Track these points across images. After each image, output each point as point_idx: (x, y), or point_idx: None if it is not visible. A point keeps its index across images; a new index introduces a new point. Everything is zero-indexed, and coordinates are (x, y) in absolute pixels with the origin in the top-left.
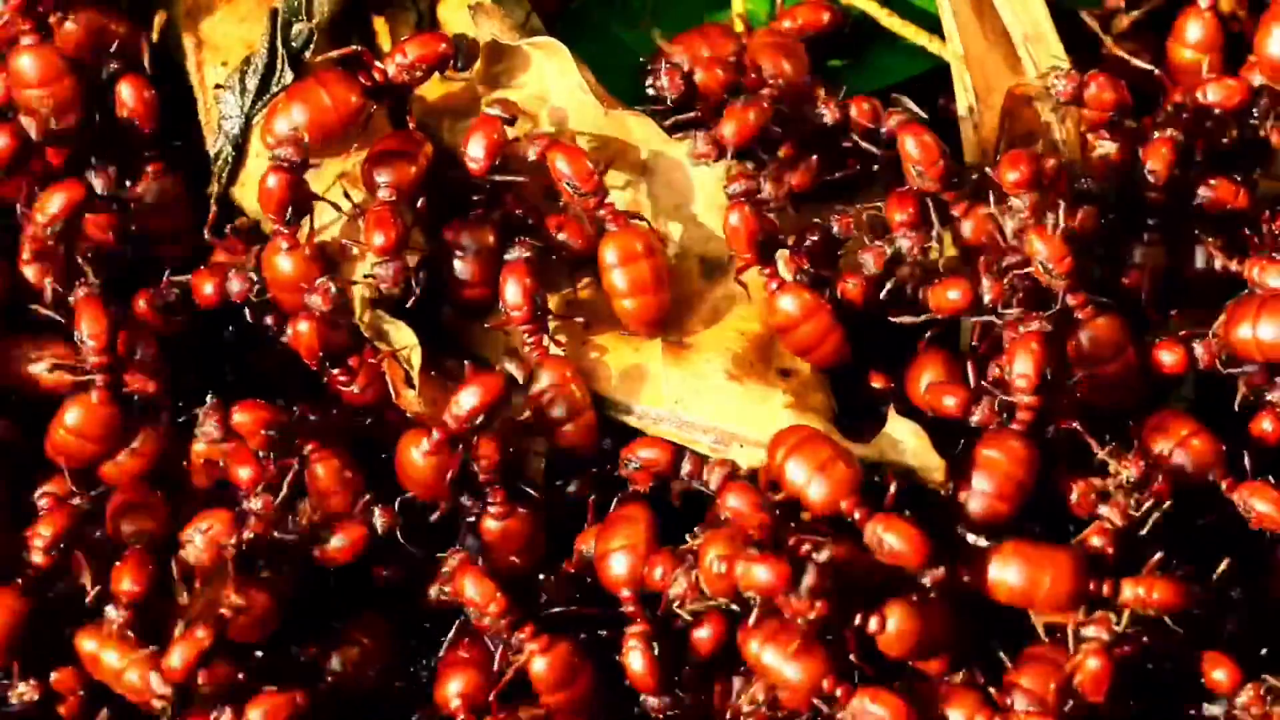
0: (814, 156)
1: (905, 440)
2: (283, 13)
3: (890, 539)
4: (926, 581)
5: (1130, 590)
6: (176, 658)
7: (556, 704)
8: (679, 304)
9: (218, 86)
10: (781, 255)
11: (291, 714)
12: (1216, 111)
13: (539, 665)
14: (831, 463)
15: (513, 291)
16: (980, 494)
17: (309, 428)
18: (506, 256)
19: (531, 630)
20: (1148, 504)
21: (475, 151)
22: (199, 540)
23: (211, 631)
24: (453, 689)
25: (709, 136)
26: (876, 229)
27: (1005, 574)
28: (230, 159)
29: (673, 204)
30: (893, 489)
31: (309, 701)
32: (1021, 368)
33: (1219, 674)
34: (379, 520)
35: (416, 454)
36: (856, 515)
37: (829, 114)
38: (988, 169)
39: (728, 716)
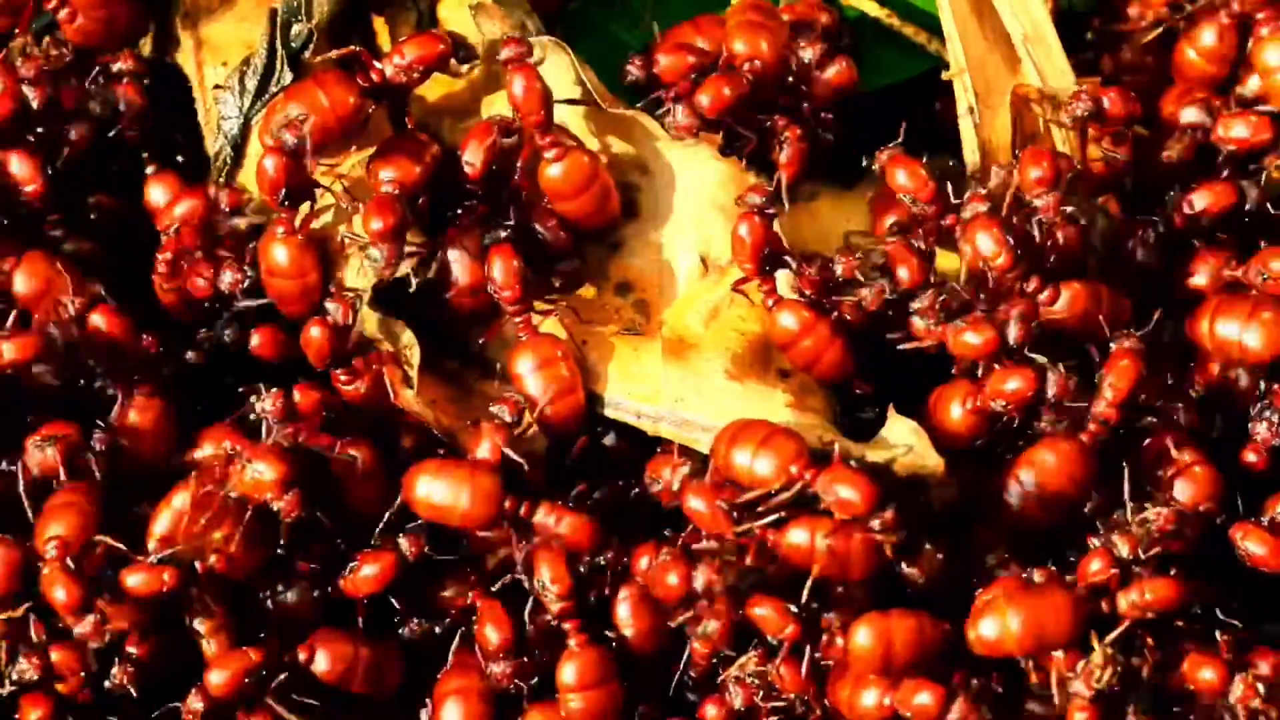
0: (800, 143)
1: (905, 439)
2: (282, 13)
3: (840, 488)
4: (875, 525)
5: (1126, 600)
6: (137, 580)
7: (577, 707)
8: (679, 304)
9: (217, 87)
10: (783, 275)
11: (249, 670)
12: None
13: (571, 664)
14: (772, 437)
15: (500, 271)
16: (1024, 494)
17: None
18: (488, 239)
19: (577, 625)
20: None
21: (471, 157)
22: (249, 474)
23: (177, 576)
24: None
25: (686, 107)
26: (879, 266)
27: (1004, 624)
28: (229, 159)
29: (674, 203)
30: (836, 450)
31: (263, 660)
32: (1115, 379)
33: (1207, 674)
34: (407, 548)
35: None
36: (808, 476)
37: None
38: (996, 168)
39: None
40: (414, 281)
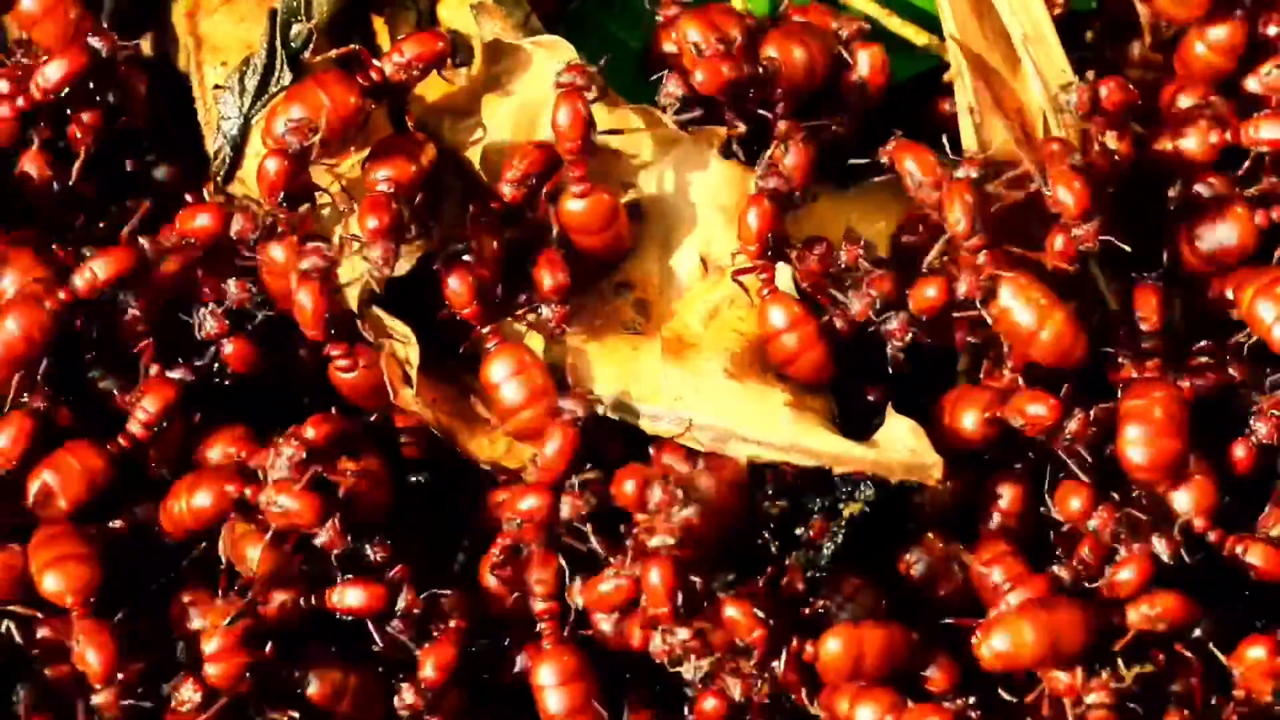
0: (806, 146)
1: (904, 438)
2: (282, 13)
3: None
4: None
5: (1135, 612)
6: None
7: (555, 706)
8: (679, 304)
9: (217, 87)
10: (783, 267)
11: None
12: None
13: (545, 663)
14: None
15: (455, 290)
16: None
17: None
18: (441, 256)
19: (554, 626)
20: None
21: (517, 166)
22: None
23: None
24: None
25: (679, 78)
26: (881, 263)
27: (1016, 638)
28: (229, 159)
29: (674, 203)
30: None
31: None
32: (1142, 312)
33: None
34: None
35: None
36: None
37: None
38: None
39: None
40: (379, 288)
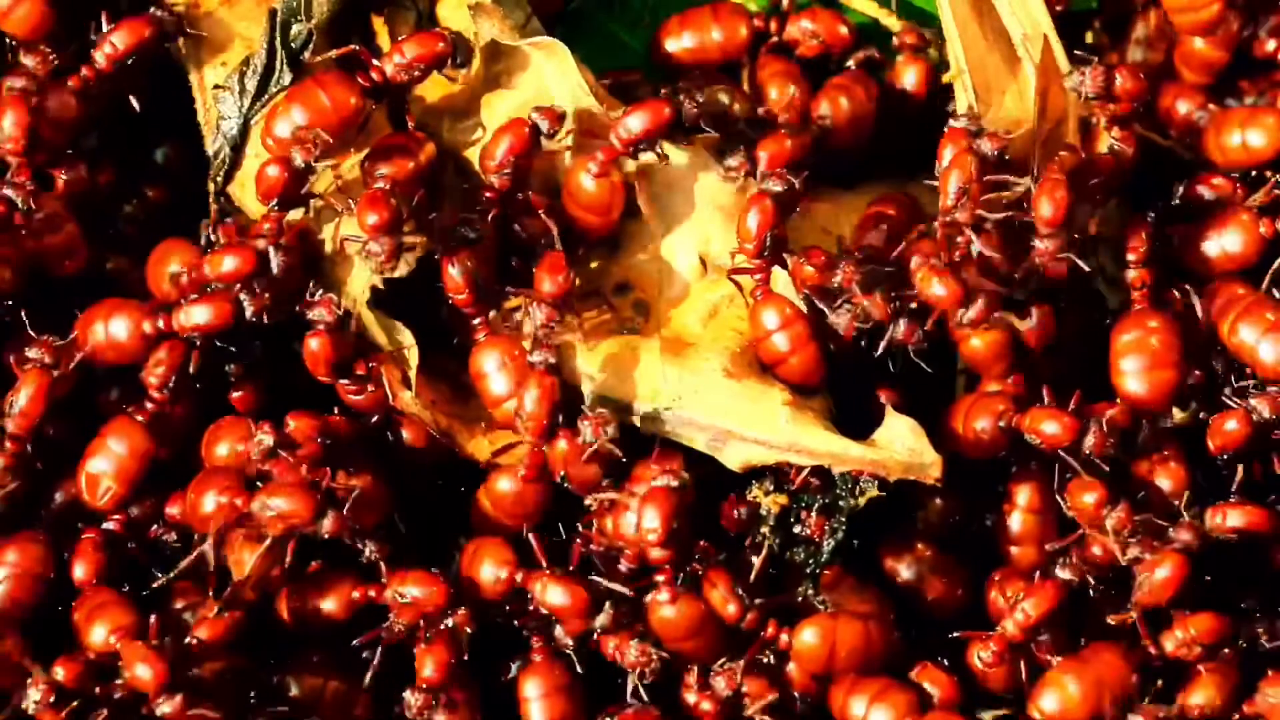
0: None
1: (903, 437)
2: (282, 13)
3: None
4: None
5: (1172, 642)
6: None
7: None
8: (679, 304)
9: (217, 87)
10: (779, 273)
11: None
12: None
13: (531, 680)
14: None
15: (451, 276)
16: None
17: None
18: (453, 234)
19: (543, 639)
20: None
21: (498, 151)
22: (272, 510)
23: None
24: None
25: (742, 156)
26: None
27: (1064, 695)
28: (228, 159)
29: (673, 203)
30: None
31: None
32: (1131, 243)
33: None
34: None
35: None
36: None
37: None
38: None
39: None
40: (408, 267)
